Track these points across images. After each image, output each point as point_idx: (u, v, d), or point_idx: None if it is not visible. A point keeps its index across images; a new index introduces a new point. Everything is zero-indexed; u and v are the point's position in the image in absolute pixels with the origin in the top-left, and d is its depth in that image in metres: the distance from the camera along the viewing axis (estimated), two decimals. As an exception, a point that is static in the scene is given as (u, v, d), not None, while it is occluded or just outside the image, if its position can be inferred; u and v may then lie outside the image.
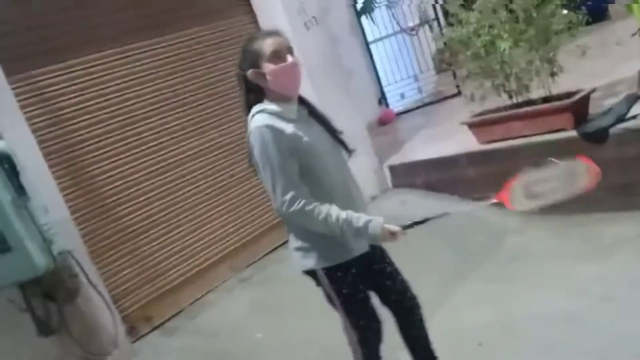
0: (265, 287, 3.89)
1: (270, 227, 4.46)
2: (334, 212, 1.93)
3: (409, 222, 1.96)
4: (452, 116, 5.55)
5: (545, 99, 4.17)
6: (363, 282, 2.11)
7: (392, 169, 5.21)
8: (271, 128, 1.94)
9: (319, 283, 2.12)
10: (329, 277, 2.05)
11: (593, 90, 4.14)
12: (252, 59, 2.02)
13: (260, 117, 1.98)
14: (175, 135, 4.09)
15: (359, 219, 1.93)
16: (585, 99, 4.03)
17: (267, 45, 2.00)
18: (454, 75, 6.94)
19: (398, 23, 7.94)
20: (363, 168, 4.77)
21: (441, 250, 3.90)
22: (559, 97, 4.11)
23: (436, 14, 8.02)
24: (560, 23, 3.97)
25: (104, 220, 3.62)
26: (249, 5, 4.74)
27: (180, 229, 4.01)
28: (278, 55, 2.00)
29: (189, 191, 4.11)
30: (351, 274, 2.06)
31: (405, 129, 6.66)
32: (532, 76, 4.13)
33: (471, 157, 4.51)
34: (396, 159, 5.30)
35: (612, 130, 3.69)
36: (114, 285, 3.57)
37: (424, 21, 8.06)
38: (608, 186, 3.98)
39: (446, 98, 7.35)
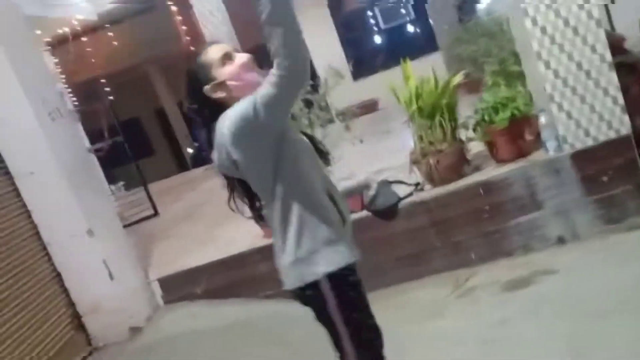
0: None
1: None
2: None
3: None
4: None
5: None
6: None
7: (164, 282, 4.53)
8: None
9: (307, 302, 1.90)
10: (332, 282, 1.83)
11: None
12: (204, 75, 1.81)
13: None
14: None
15: None
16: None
17: (213, 52, 1.83)
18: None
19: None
20: (125, 286, 4.13)
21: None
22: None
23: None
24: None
25: None
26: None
27: None
28: (229, 57, 1.82)
29: None
30: (356, 276, 1.91)
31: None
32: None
33: (264, 252, 4.33)
34: (164, 270, 4.65)
35: (400, 205, 4.14)
36: None
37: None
38: (398, 257, 4.39)
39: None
